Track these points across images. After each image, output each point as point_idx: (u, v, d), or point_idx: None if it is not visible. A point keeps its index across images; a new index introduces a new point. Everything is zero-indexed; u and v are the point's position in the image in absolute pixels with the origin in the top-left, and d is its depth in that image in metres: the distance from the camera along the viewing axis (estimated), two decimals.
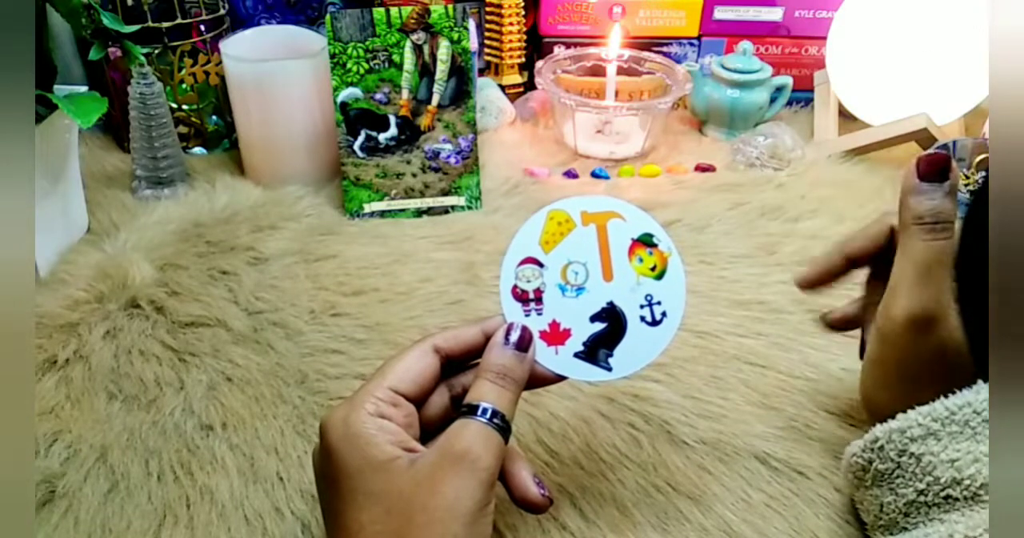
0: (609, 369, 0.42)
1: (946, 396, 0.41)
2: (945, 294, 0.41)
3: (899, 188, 0.44)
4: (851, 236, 0.49)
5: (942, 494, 0.39)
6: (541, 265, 0.43)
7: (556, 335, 0.42)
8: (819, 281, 0.50)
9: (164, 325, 0.61)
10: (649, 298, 0.43)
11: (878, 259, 0.48)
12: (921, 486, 0.40)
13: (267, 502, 0.47)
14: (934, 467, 0.40)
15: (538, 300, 0.42)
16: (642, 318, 0.42)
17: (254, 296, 0.64)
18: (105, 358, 0.58)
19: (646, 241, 0.43)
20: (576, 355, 0.42)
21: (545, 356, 0.42)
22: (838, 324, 0.53)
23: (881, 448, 0.42)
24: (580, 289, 0.42)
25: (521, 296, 0.42)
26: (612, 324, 0.42)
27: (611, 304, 0.42)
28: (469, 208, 0.76)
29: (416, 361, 0.40)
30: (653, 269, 0.43)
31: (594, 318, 0.42)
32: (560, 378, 0.42)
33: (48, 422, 0.52)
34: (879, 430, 0.42)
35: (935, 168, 0.42)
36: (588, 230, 0.43)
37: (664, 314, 0.42)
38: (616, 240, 0.43)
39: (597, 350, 0.42)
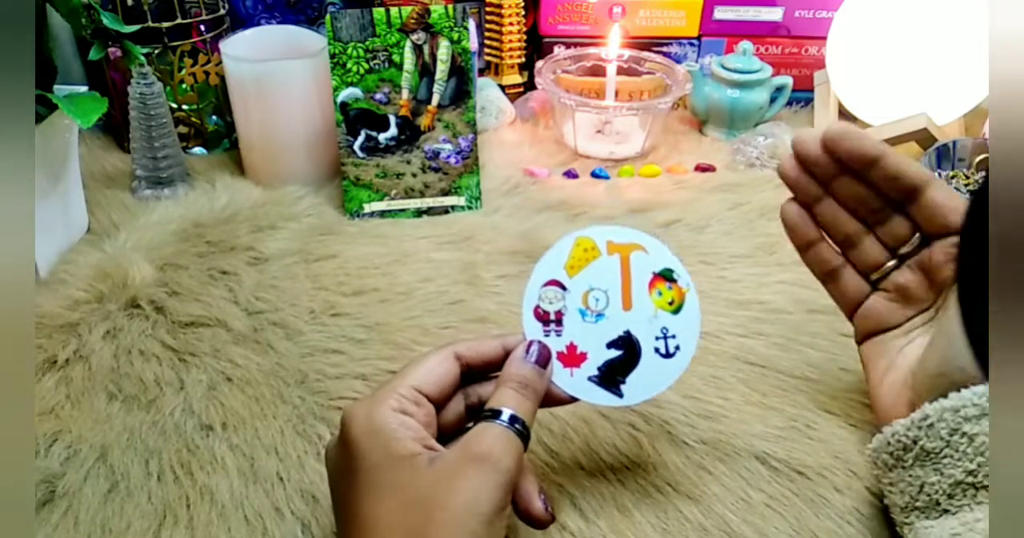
0: (620, 395, 0.43)
1: None
2: None
3: None
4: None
5: None
6: (564, 288, 0.44)
7: (572, 357, 0.43)
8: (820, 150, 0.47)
9: (164, 325, 0.61)
10: (664, 331, 0.44)
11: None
12: (971, 467, 0.40)
13: (267, 502, 0.47)
14: (988, 447, 0.40)
15: (558, 322, 0.43)
16: (656, 350, 0.44)
17: (254, 296, 0.64)
18: (105, 358, 0.58)
19: (666, 276, 0.44)
20: (590, 379, 0.43)
21: (560, 377, 0.43)
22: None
23: (931, 426, 0.42)
24: (599, 315, 0.44)
25: (543, 316, 0.44)
26: (627, 352, 0.44)
27: (628, 333, 0.44)
28: (469, 208, 0.76)
29: (438, 365, 0.41)
30: (671, 303, 0.44)
31: (610, 345, 0.44)
32: (573, 399, 0.43)
33: (48, 422, 0.52)
34: (929, 408, 0.42)
35: None
36: (612, 260, 0.44)
37: (677, 348, 0.44)
38: (638, 272, 0.44)
39: (611, 376, 0.43)
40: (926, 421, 0.42)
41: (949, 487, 0.41)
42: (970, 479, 0.40)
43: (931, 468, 0.42)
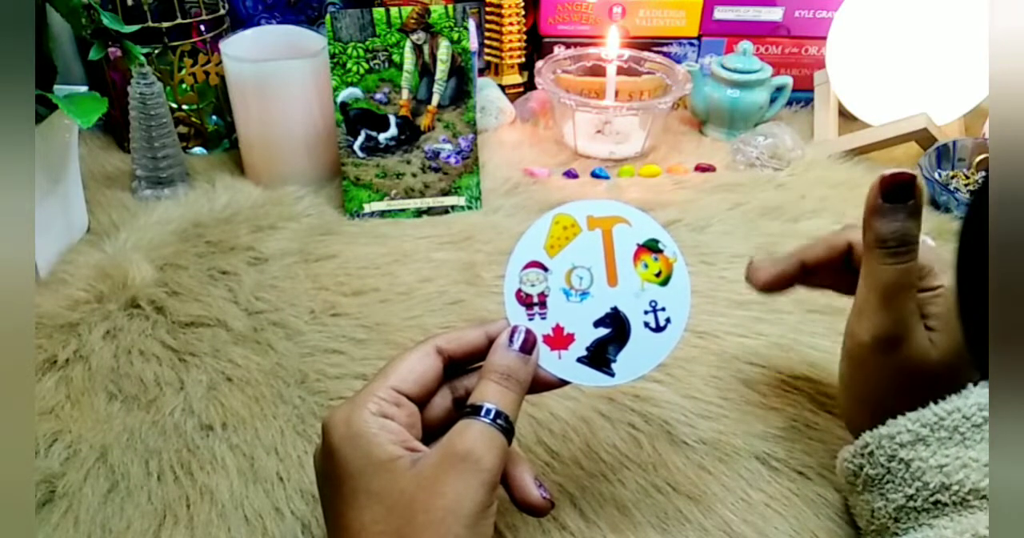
0: (612, 374, 0.42)
1: (935, 402, 0.41)
2: (909, 314, 0.42)
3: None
4: (811, 244, 0.49)
5: (931, 500, 0.40)
6: (546, 269, 0.42)
7: (559, 339, 0.42)
8: (774, 284, 0.50)
9: (164, 325, 0.61)
10: (653, 304, 0.42)
11: (831, 269, 0.48)
12: (910, 492, 0.40)
13: (267, 502, 0.47)
14: (923, 473, 0.40)
15: (542, 304, 0.42)
16: (646, 324, 0.42)
17: (254, 296, 0.64)
18: (105, 358, 0.58)
19: (651, 246, 0.43)
20: (579, 360, 0.42)
21: (548, 360, 0.42)
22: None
23: (871, 454, 0.42)
24: (584, 294, 0.42)
25: (525, 300, 0.42)
26: (616, 329, 0.42)
27: (615, 309, 0.42)
28: (469, 208, 0.76)
29: (418, 361, 0.40)
30: (658, 275, 0.43)
31: (598, 323, 0.42)
32: (563, 383, 0.42)
33: (48, 422, 0.52)
34: (869, 436, 0.43)
35: (898, 187, 0.41)
36: (593, 235, 0.43)
37: (668, 320, 0.42)
38: (621, 245, 0.43)
39: (600, 355, 0.42)
40: (866, 448, 0.42)
41: (894, 511, 0.41)
42: (911, 504, 0.40)
43: (877, 493, 0.42)
